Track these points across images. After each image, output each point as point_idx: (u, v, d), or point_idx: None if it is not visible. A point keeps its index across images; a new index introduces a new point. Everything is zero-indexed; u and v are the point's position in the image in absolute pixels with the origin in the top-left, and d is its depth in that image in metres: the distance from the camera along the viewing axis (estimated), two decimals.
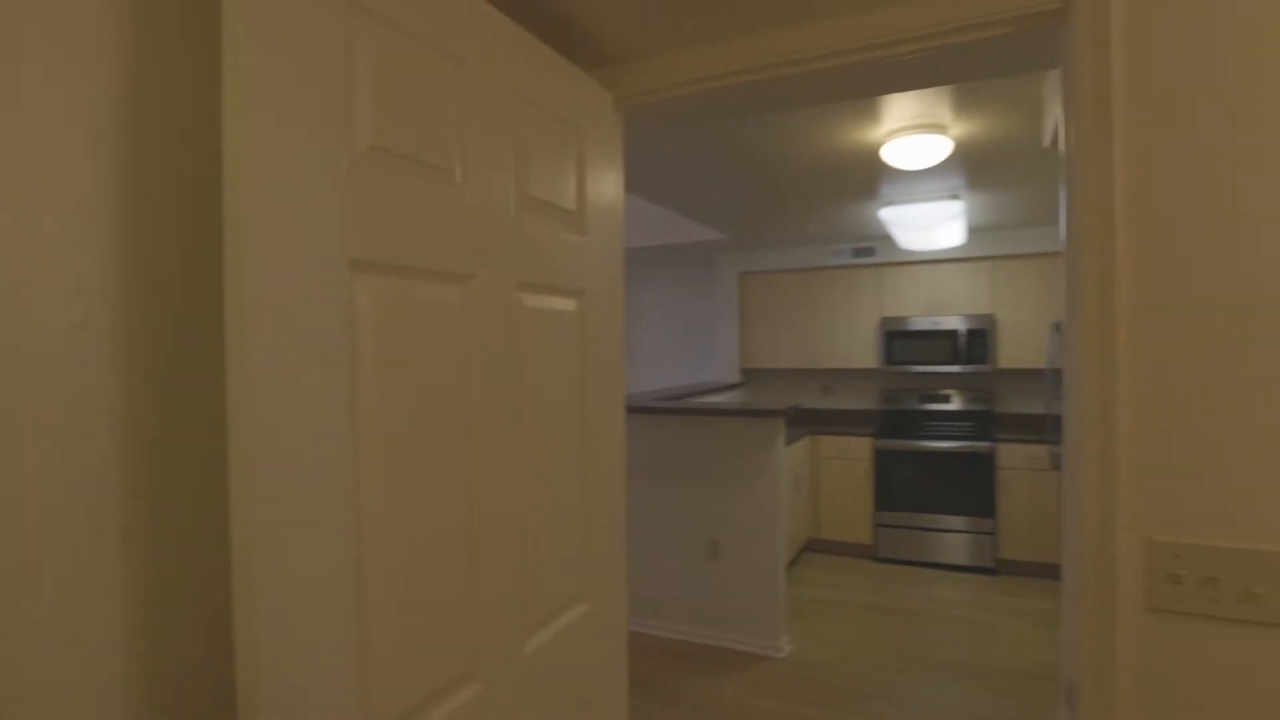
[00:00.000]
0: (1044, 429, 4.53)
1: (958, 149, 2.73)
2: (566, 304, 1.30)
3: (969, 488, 4.69)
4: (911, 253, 5.11)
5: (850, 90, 1.71)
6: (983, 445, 4.66)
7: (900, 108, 2.33)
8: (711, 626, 3.59)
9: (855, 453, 5.07)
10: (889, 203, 3.81)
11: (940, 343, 5.00)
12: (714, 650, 3.50)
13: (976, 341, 4.90)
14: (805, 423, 5.50)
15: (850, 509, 5.07)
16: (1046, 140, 2.06)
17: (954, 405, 5.24)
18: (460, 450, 1.01)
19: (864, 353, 5.32)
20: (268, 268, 0.73)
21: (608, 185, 1.46)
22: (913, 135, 2.45)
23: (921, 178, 3.34)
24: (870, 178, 3.29)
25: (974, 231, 4.85)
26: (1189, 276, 1.04)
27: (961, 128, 2.50)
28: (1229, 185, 1.02)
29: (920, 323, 5.07)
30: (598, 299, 1.41)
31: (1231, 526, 1.03)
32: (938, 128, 2.45)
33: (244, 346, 0.71)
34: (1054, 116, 1.95)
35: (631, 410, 3.77)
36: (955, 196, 3.66)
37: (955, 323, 4.97)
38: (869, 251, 5.27)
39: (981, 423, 5.14)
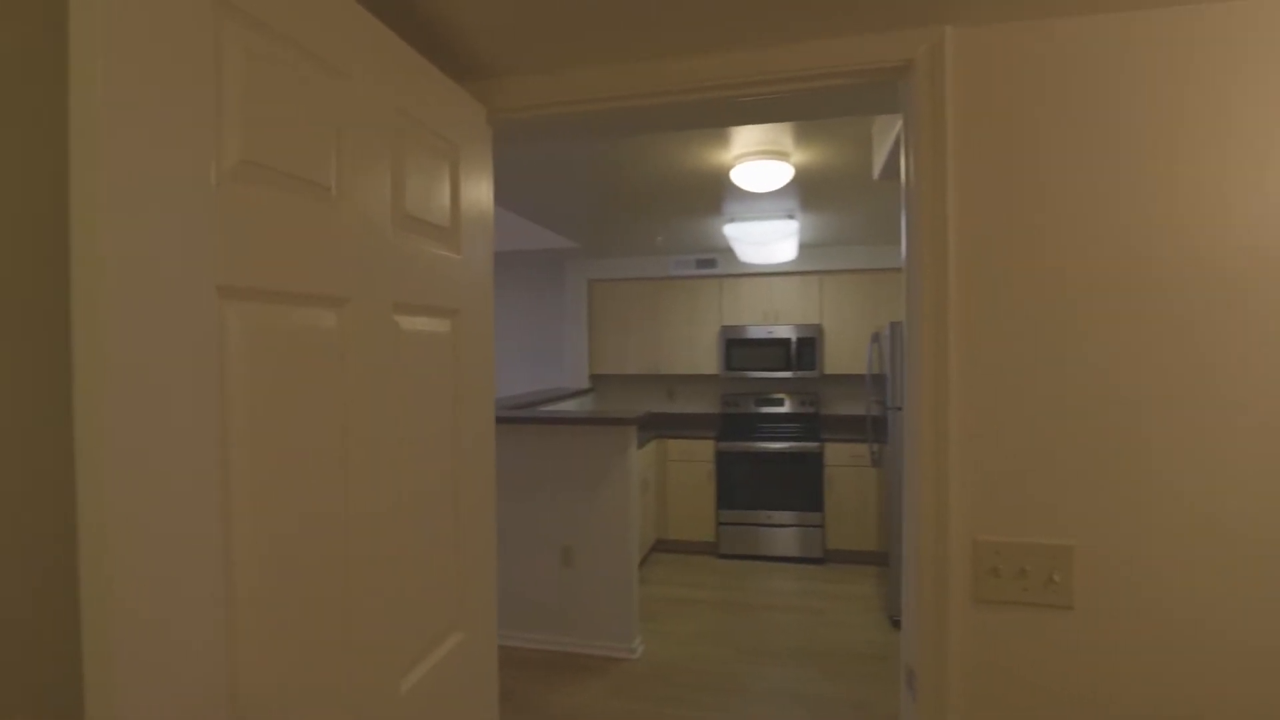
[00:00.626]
0: (865, 429, 5.01)
1: (797, 174, 2.95)
2: (441, 325, 1.25)
3: (800, 485, 5.07)
4: (750, 265, 5.43)
5: (712, 119, 1.80)
6: (811, 445, 5.06)
7: (749, 135, 2.48)
8: (567, 633, 3.60)
9: (699, 455, 5.30)
10: (732, 219, 4.03)
11: (774, 350, 5.36)
12: (571, 657, 3.51)
13: (806, 349, 5.31)
14: (653, 426, 5.67)
15: (695, 509, 5.29)
16: (876, 173, 2.30)
17: (786, 408, 5.64)
18: (337, 483, 0.95)
19: (705, 359, 5.57)
20: (123, 301, 0.64)
21: (480, 200, 1.42)
22: (759, 160, 2.62)
23: (763, 199, 3.57)
24: (717, 195, 3.47)
25: (805, 247, 5.26)
26: (1000, 301, 1.21)
27: (801, 155, 2.70)
28: (1037, 221, 1.20)
29: (756, 331, 5.41)
30: (471, 319, 1.37)
31: (1037, 525, 1.21)
32: (781, 154, 2.63)
33: (98, 392, 0.62)
34: (883, 152, 2.17)
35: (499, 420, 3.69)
36: (791, 216, 3.94)
37: (787, 332, 5.35)
38: (711, 263, 5.53)
39: (810, 424, 5.58)
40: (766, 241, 4.04)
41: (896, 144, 2.07)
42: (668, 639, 3.73)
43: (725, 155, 2.70)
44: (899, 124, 1.53)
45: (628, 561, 3.56)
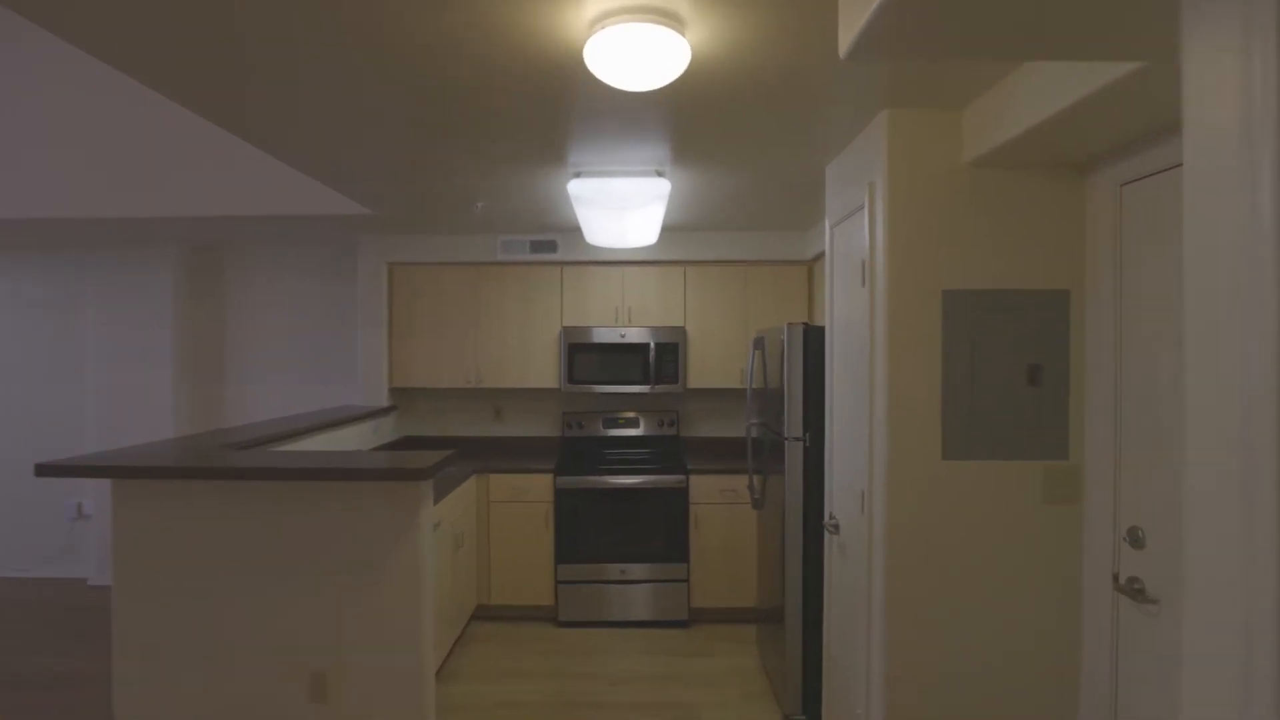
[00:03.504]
0: (743, 457, 4.05)
1: (687, 76, 1.87)
2: None
3: (659, 528, 4.01)
4: (599, 251, 4.32)
5: None
6: (673, 479, 4.02)
7: None
8: None
9: (533, 493, 4.08)
10: (579, 172, 2.89)
11: (628, 358, 4.29)
12: None
13: (667, 357, 4.28)
14: (473, 455, 4.37)
15: (528, 564, 4.06)
16: (844, 49, 1.27)
17: (642, 429, 4.58)
18: None
19: (542, 370, 4.38)
20: None
21: None
22: (633, 23, 1.50)
23: (623, 142, 2.47)
24: (557, 124, 2.31)
25: (669, 232, 4.24)
26: None
27: (703, 29, 1.62)
28: None
29: (606, 334, 4.30)
30: None
31: None
32: (671, 19, 1.53)
33: None
34: (865, 13, 1.13)
35: (183, 475, 2.24)
36: (660, 172, 2.87)
37: (644, 335, 4.29)
38: (549, 246, 4.36)
39: (672, 451, 4.55)
40: (625, 205, 2.95)
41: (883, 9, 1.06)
42: None
43: (578, 17, 1.56)
44: None
45: (416, 680, 2.28)
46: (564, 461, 4.24)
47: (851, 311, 2.45)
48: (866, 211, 2.18)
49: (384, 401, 4.42)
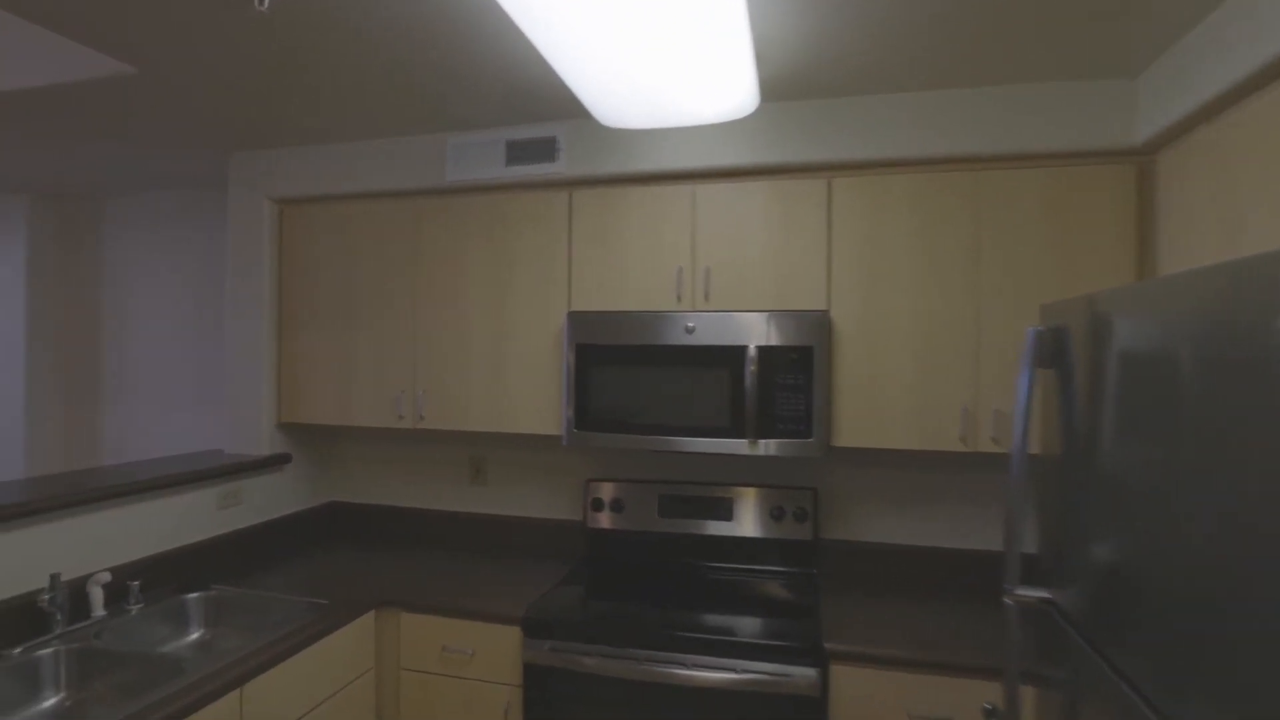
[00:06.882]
0: (975, 614, 1.59)
1: None
2: None
3: None
4: (639, 153, 2.06)
5: None
6: (793, 676, 1.66)
7: None
8: None
9: (485, 659, 1.90)
10: None
11: (701, 378, 1.97)
12: None
13: (786, 378, 1.92)
14: (430, 541, 2.27)
15: None
16: None
17: (733, 523, 2.23)
18: None
19: (531, 399, 2.18)
20: None
21: None
22: None
23: None
24: None
25: (790, 100, 1.86)
26: None
27: None
28: None
29: (657, 328, 2.01)
30: None
31: None
32: None
33: None
34: None
35: None
36: None
37: (734, 329, 1.96)
38: (543, 149, 2.14)
39: (797, 589, 2.17)
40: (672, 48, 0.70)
41: None
42: None
43: None
44: None
45: None
46: (572, 589, 2.00)
47: None
48: None
49: (265, 446, 2.45)
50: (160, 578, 2.02)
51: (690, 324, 1.99)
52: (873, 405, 1.93)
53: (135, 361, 3.11)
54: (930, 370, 1.89)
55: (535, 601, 1.93)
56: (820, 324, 1.90)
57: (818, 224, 1.97)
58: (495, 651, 1.89)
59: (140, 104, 2.00)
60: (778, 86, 1.86)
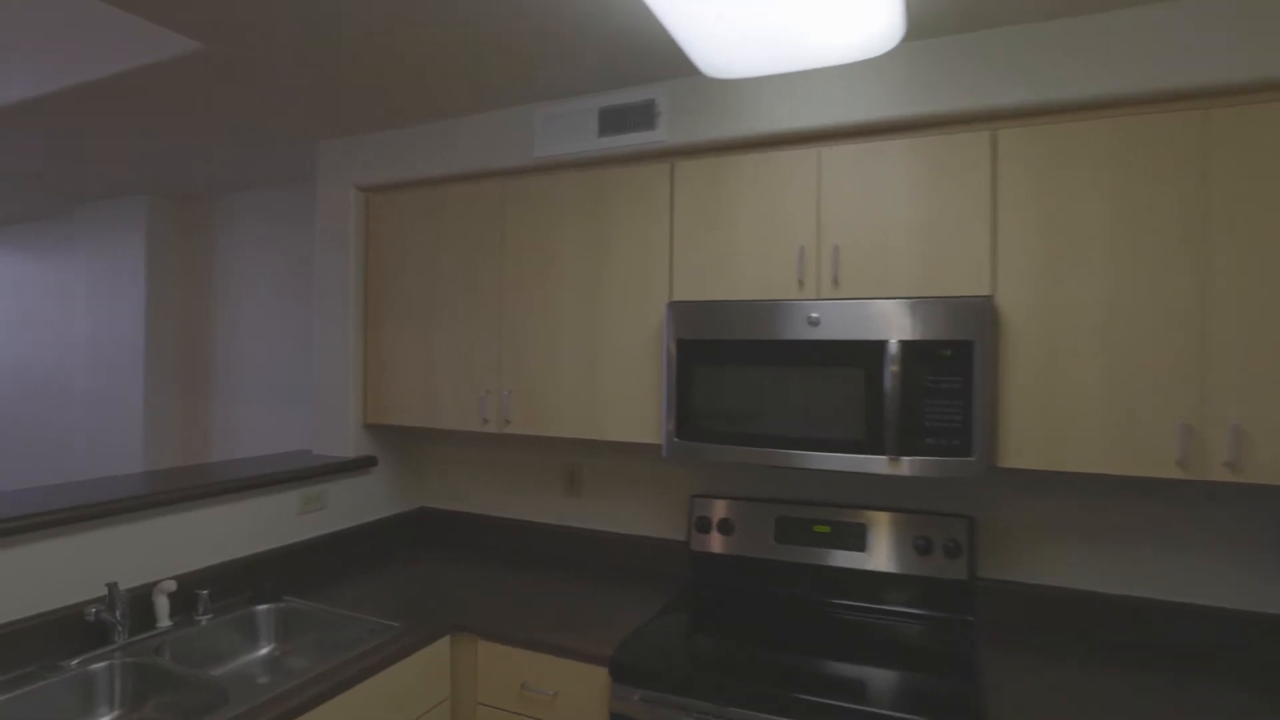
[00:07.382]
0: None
1: None
2: None
3: None
4: (748, 116, 1.74)
5: None
6: None
7: None
8: None
9: (565, 714, 1.64)
10: None
11: (830, 379, 1.62)
12: None
13: (940, 381, 1.54)
14: (519, 561, 2.06)
15: None
16: None
17: (869, 558, 1.86)
18: None
19: (631, 401, 1.90)
20: None
21: None
22: None
23: None
24: None
25: (944, 35, 1.48)
26: None
27: None
28: None
29: (776, 320, 1.68)
30: None
31: None
32: None
33: None
34: None
35: None
36: None
37: (871, 321, 1.59)
38: (642, 115, 1.86)
39: (952, 635, 1.77)
40: None
41: None
42: None
43: None
44: None
45: None
46: (671, 623, 1.71)
47: None
48: None
49: (351, 450, 2.32)
50: (234, 585, 1.90)
51: (815, 315, 1.65)
52: (1052, 416, 1.51)
53: (243, 358, 3.11)
54: (1132, 373, 1.45)
55: (628, 638, 1.65)
56: (982, 313, 1.51)
57: (979, 188, 1.57)
58: (580, 695, 1.63)
59: (217, 88, 1.90)
60: (924, 17, 1.49)
